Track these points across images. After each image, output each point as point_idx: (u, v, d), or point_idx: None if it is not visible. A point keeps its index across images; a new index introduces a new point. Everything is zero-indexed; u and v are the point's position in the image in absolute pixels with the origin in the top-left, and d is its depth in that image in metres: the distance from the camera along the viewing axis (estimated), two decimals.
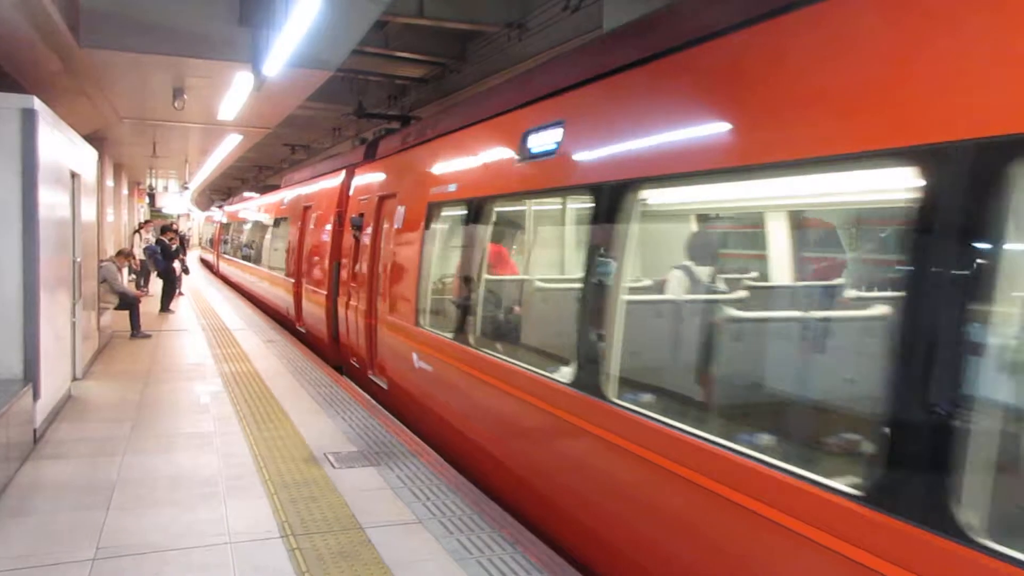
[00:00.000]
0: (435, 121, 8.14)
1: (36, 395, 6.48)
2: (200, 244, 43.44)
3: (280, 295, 14.71)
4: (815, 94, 3.09)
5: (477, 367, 5.85)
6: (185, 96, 10.46)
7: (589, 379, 4.36)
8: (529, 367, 5.17)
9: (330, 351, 10.87)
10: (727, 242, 5.47)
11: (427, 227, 7.33)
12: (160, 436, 6.81)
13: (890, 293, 2.85)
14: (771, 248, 5.58)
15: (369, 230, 9.23)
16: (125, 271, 15.41)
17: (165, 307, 16.11)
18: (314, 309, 11.96)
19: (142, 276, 20.17)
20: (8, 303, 6.34)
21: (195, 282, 23.73)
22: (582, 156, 4.84)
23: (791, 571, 3.00)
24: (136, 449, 6.41)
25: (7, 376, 6.31)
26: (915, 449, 2.54)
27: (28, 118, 6.39)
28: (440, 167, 7.39)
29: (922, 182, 2.58)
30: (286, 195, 16.47)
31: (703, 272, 5.21)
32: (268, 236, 17.89)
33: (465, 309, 6.25)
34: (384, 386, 8.41)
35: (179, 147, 18.27)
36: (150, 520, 4.89)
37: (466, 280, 6.33)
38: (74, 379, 8.63)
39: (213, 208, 40.13)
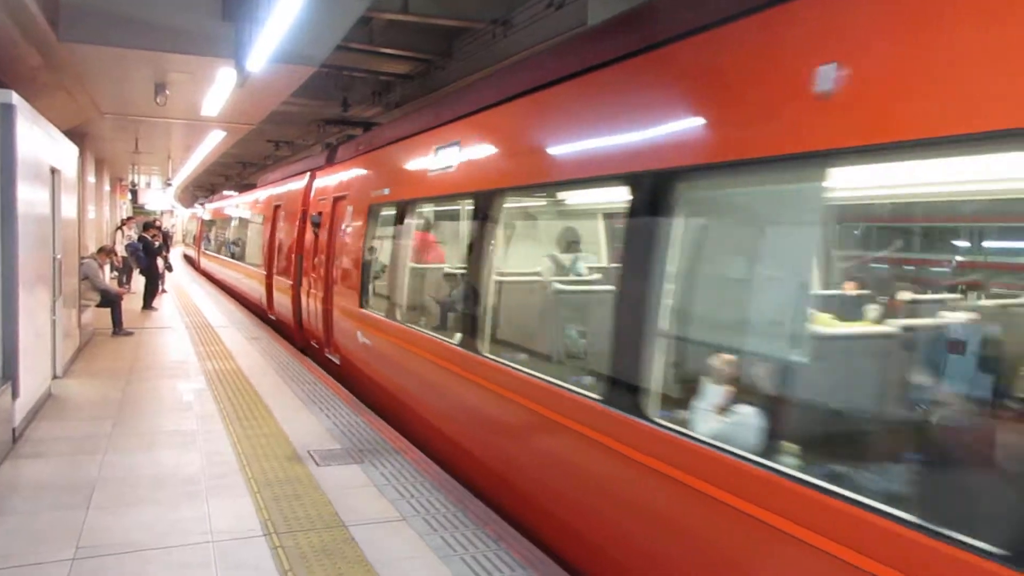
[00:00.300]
0: (378, 133, 9.80)
1: (15, 393, 6.42)
2: (184, 241, 43.33)
3: (254, 286, 16.08)
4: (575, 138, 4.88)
5: (402, 338, 7.35)
6: (167, 91, 10.39)
7: (470, 342, 5.76)
8: (436, 335, 6.60)
9: (296, 335, 12.27)
10: (573, 236, 6.99)
11: (368, 224, 8.80)
12: (142, 434, 6.77)
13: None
14: (591, 239, 7.43)
15: (326, 227, 10.61)
16: (107, 268, 15.29)
17: (148, 304, 15.99)
18: (282, 298, 13.30)
19: (124, 273, 20.05)
20: None
21: (179, 279, 23.57)
22: (468, 169, 6.28)
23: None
24: (117, 448, 6.36)
25: None
26: (621, 363, 4.04)
27: (6, 113, 6.33)
28: (379, 173, 8.95)
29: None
30: (260, 195, 17.93)
31: (564, 258, 6.81)
32: (243, 232, 19.45)
33: (393, 292, 7.90)
34: (337, 361, 9.80)
35: (162, 143, 18.16)
36: (132, 519, 4.86)
37: (395, 269, 7.91)
38: (54, 377, 8.56)
39: (196, 205, 39.95)
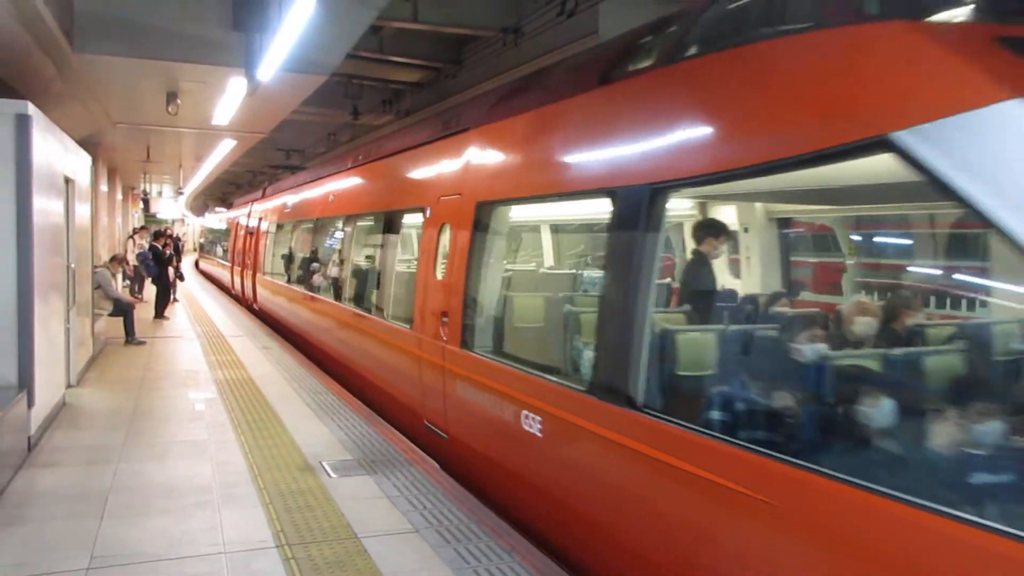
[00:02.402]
0: (279, 183, 19.28)
1: (30, 402, 6.47)
2: (195, 249, 43.71)
3: (226, 275, 24.70)
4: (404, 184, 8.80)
5: (276, 290, 15.30)
6: (179, 101, 10.46)
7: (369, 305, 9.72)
8: (333, 300, 11.11)
9: (244, 302, 19.95)
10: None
11: (275, 232, 16.63)
12: (154, 444, 6.81)
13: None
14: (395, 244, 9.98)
15: (255, 235, 19.10)
16: (119, 277, 15.39)
17: (159, 313, 16.08)
18: (237, 280, 21.50)
19: (136, 282, 20.15)
20: (2, 309, 6.32)
21: (190, 288, 23.68)
22: (327, 200, 12.25)
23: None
24: (130, 457, 6.40)
25: (1, 383, 6.30)
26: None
27: (22, 123, 6.39)
28: (275, 204, 17.35)
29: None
30: (230, 214, 27.89)
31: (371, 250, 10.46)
32: (222, 238, 29.60)
33: (276, 267, 15.60)
34: (257, 309, 17.69)
35: (173, 152, 18.28)
36: (144, 529, 4.88)
37: (283, 258, 15.37)
38: (68, 386, 8.61)
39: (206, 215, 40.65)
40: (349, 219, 10.72)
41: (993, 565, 2.43)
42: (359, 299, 9.87)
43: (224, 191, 44.28)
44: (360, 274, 10.19)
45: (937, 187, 2.71)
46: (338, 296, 10.79)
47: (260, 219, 18.65)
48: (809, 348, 3.82)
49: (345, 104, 16.42)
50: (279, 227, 16.13)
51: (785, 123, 3.40)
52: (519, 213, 6.70)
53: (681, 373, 4.18)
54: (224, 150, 16.99)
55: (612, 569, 4.33)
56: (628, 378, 4.06)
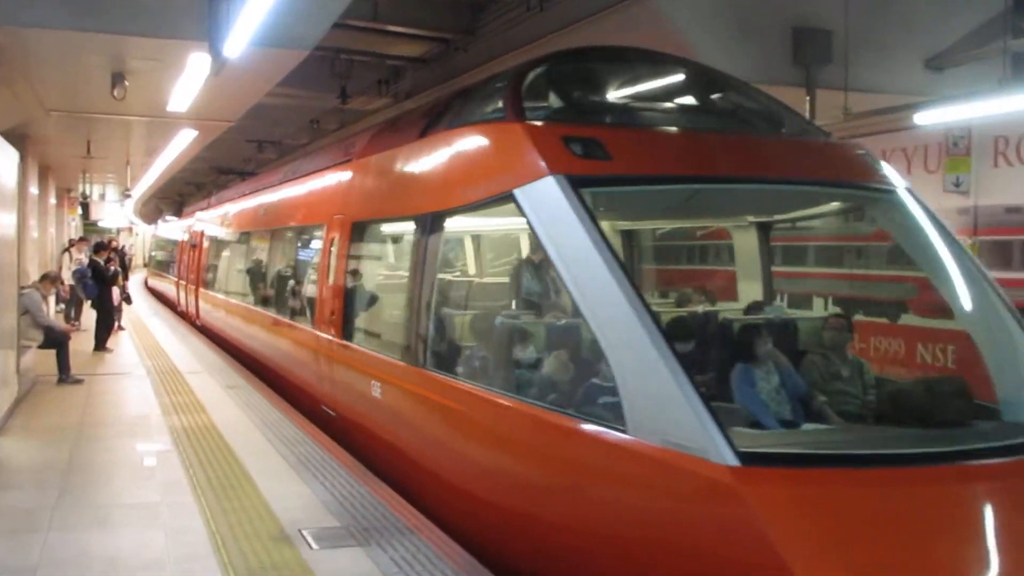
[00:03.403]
0: (224, 191, 24.62)
1: None
2: (145, 264, 44.19)
3: (173, 289, 27.43)
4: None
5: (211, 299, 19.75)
6: (126, 83, 10.59)
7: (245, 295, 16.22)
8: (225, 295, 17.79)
9: (188, 318, 22.71)
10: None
11: (201, 246, 21.64)
12: (94, 507, 6.80)
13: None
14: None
15: (188, 248, 23.84)
16: (52, 300, 15.51)
17: (101, 345, 16.18)
18: (182, 294, 24.52)
19: (72, 306, 20.25)
20: None
21: (139, 311, 23.86)
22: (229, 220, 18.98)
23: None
24: (64, 524, 6.40)
25: None
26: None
27: None
28: (191, 223, 24.95)
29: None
30: (181, 223, 30.88)
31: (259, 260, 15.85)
32: (164, 250, 33.75)
33: (211, 275, 20.02)
34: (200, 325, 20.81)
35: (119, 146, 18.54)
36: None
37: (223, 270, 19.12)
38: None
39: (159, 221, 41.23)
40: (273, 233, 14.77)
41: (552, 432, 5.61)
42: (275, 304, 13.79)
43: (183, 192, 44.71)
44: (278, 282, 13.98)
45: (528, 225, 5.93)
46: (259, 303, 15.09)
47: (203, 231, 22.29)
48: (495, 318, 7.60)
49: (332, 85, 16.41)
50: (219, 240, 20.33)
51: (475, 178, 6.81)
52: (377, 230, 9.76)
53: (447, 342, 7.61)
54: (182, 143, 17.19)
55: (420, 484, 7.30)
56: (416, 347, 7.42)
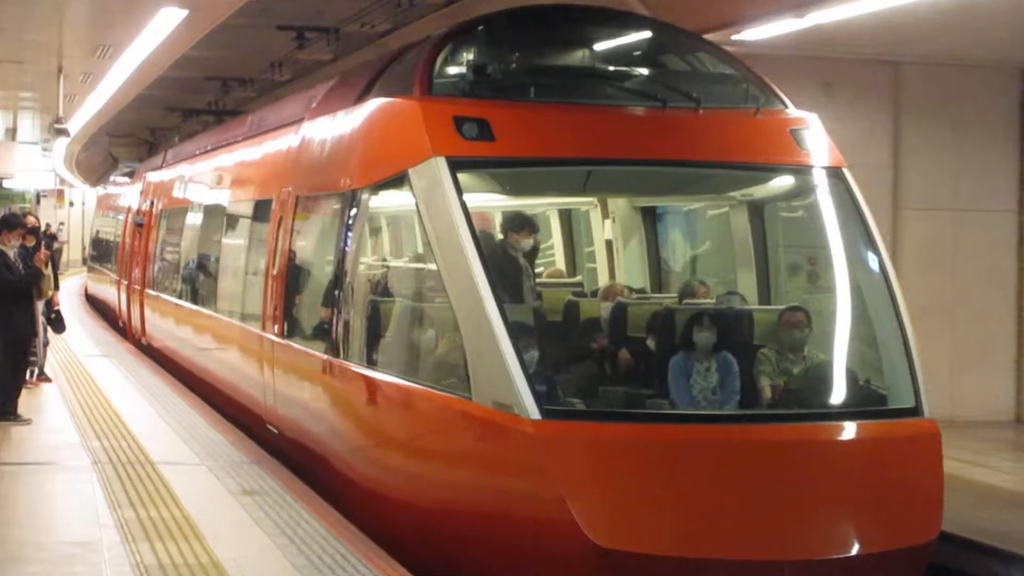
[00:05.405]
0: (184, 144, 20.92)
1: None
2: (84, 259, 35.65)
3: (113, 294, 24.22)
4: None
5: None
6: None
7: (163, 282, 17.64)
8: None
9: (129, 335, 20.80)
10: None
11: (149, 226, 19.51)
12: None
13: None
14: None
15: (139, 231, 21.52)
16: None
17: (8, 409, 11.25)
18: (119, 297, 22.58)
19: None
20: None
21: (75, 341, 18.39)
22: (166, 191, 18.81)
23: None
24: None
25: None
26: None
27: None
28: (139, 190, 22.02)
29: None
30: (124, 188, 28.11)
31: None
32: (109, 231, 29.39)
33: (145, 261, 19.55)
34: (135, 327, 20.28)
35: (49, 36, 13.29)
36: None
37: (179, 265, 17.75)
38: None
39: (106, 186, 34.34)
40: (224, 209, 13.38)
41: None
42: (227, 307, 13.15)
43: (158, 128, 32.70)
44: (232, 277, 13.06)
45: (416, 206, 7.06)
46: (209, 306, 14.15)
47: (152, 203, 18.90)
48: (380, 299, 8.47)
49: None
50: (170, 216, 17.66)
51: (385, 156, 7.75)
52: (315, 208, 9.77)
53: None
54: (156, 36, 12.42)
55: (327, 456, 8.58)
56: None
